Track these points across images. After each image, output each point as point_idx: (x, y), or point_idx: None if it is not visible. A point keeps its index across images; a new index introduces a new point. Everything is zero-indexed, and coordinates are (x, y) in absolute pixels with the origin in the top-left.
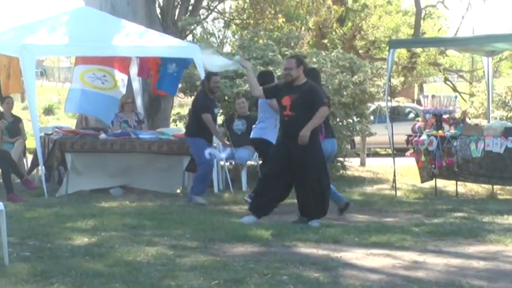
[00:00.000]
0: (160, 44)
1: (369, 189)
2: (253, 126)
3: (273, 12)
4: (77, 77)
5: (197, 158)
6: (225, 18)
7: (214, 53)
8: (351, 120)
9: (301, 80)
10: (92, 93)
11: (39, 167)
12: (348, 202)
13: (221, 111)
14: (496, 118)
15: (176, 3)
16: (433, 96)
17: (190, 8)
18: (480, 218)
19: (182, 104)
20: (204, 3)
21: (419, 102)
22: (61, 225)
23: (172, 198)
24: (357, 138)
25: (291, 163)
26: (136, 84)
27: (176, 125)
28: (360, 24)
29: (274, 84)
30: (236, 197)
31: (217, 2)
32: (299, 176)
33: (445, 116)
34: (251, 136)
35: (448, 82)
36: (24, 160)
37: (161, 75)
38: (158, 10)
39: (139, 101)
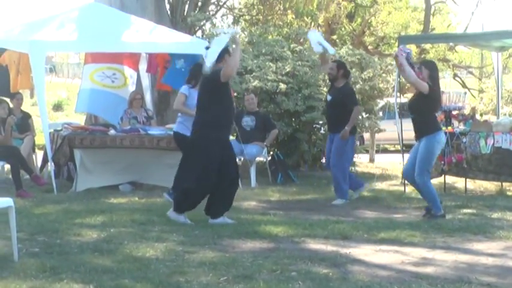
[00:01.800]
0: (170, 40)
1: (378, 185)
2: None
3: (282, 8)
4: (87, 76)
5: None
6: (234, 14)
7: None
8: (360, 117)
9: None
10: (101, 91)
11: (49, 163)
12: None
13: None
14: (505, 114)
15: None
16: (442, 92)
17: (199, 3)
18: (489, 214)
19: None
20: None
21: None
22: (70, 221)
23: None
24: (366, 135)
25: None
26: (146, 81)
27: None
28: (369, 20)
29: None
30: (245, 194)
31: None
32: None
33: (454, 112)
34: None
35: (457, 78)
36: (34, 156)
37: (169, 70)
38: (167, 6)
39: (148, 97)
